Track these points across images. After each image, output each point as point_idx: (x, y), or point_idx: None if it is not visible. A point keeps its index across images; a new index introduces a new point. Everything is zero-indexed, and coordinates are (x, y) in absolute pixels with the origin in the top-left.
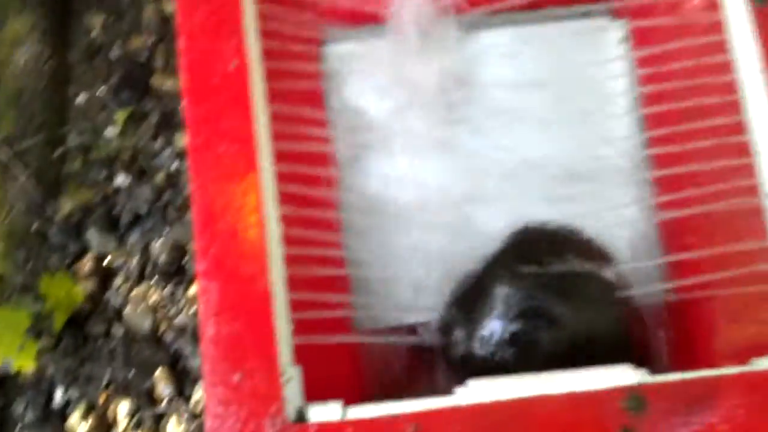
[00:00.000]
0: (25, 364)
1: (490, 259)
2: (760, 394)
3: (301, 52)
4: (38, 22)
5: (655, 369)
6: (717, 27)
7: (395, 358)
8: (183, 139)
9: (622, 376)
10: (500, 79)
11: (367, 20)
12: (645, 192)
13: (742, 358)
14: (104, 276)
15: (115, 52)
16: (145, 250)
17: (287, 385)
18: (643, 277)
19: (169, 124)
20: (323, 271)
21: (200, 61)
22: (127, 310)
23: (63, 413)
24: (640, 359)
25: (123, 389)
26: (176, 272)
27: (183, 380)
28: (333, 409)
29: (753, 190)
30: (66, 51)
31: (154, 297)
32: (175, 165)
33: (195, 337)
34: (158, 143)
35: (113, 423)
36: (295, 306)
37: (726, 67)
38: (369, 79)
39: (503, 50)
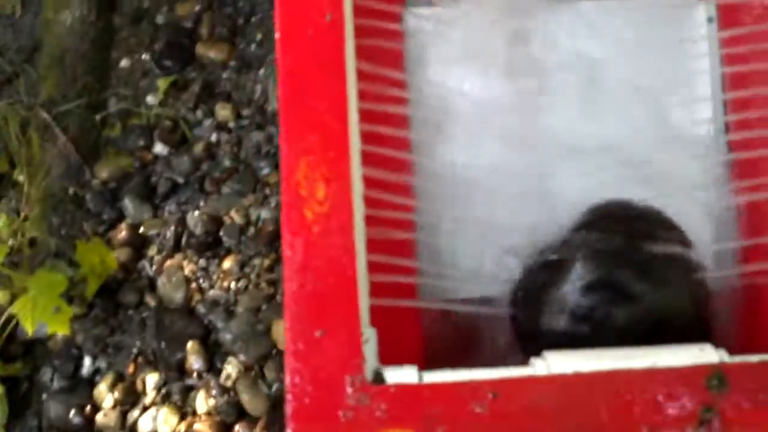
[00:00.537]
0: (59, 328)
1: (567, 233)
2: None
3: (386, 10)
4: None
5: (729, 351)
6: None
7: (460, 328)
8: (224, 111)
9: (704, 354)
10: (582, 52)
11: None
12: (724, 175)
13: None
14: (139, 245)
15: (160, 18)
16: (181, 220)
17: (366, 345)
18: (719, 259)
19: (211, 94)
20: (396, 235)
21: (295, 12)
22: (161, 281)
23: (91, 382)
24: (715, 342)
25: (152, 361)
26: (211, 245)
27: (214, 354)
28: (410, 372)
29: None
30: (111, 14)
31: (188, 269)
32: (214, 136)
33: (228, 311)
34: (199, 113)
35: (141, 394)
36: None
37: None
38: (449, 44)
39: (585, 23)
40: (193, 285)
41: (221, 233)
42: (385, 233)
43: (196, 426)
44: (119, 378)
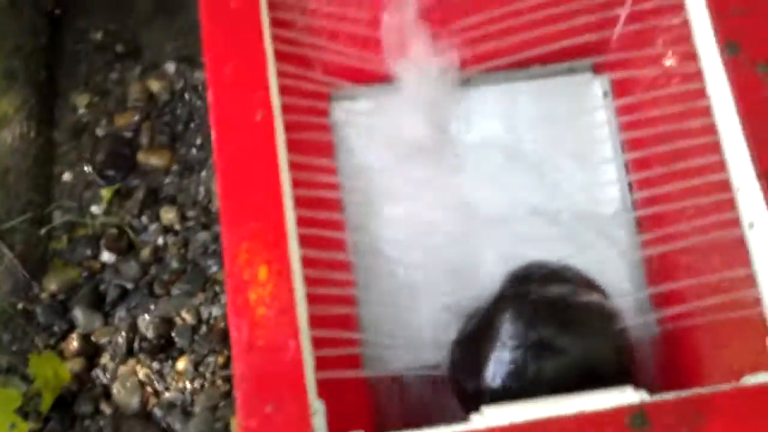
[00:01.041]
0: None
1: (493, 296)
2: (754, 407)
3: (312, 106)
4: (25, 102)
5: (651, 392)
6: (693, 76)
7: (408, 393)
8: (169, 214)
9: (625, 396)
10: (494, 130)
11: (371, 79)
12: (632, 230)
13: (731, 378)
14: (91, 354)
15: (100, 131)
16: (132, 326)
17: (314, 417)
18: (635, 308)
19: (155, 199)
20: (337, 310)
21: (228, 112)
22: (115, 388)
23: None
24: (637, 383)
25: None
26: (164, 347)
27: None
28: None
29: (734, 223)
30: (52, 129)
31: (142, 373)
32: (161, 240)
33: (185, 412)
34: (144, 219)
35: None
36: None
37: (703, 112)
38: (371, 132)
39: (496, 104)
40: (149, 389)
41: (173, 334)
42: (327, 309)
43: None
44: None
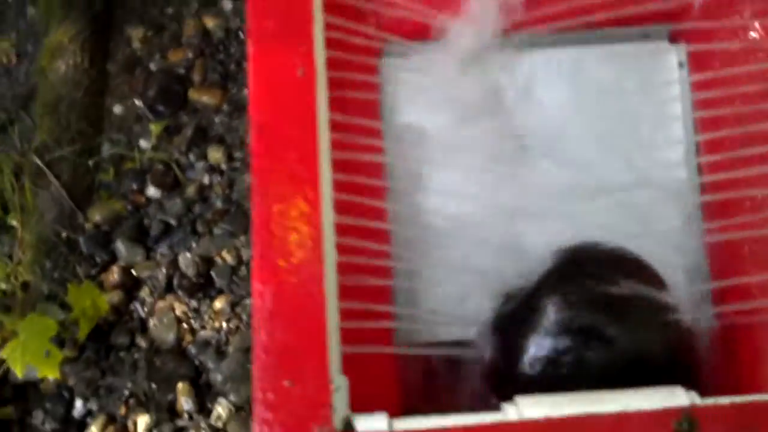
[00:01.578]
0: (49, 372)
1: (540, 275)
2: None
3: (360, 63)
4: (80, 33)
5: (702, 392)
6: None
7: (436, 372)
8: (216, 153)
9: (675, 397)
10: (556, 96)
11: (426, 36)
12: (697, 217)
13: None
14: (131, 287)
15: (153, 65)
16: (173, 262)
17: (336, 393)
18: (692, 301)
19: (203, 137)
20: (371, 281)
21: (268, 66)
22: (152, 322)
23: (82, 424)
24: (689, 382)
25: (144, 402)
26: (203, 286)
27: (204, 395)
28: (379, 420)
29: None
30: (105, 61)
31: (179, 310)
32: (206, 178)
33: (219, 352)
34: (191, 156)
35: None
36: (342, 315)
37: None
38: (424, 93)
39: (561, 68)
40: (185, 326)
41: (213, 274)
42: (359, 280)
43: None
44: (110, 420)
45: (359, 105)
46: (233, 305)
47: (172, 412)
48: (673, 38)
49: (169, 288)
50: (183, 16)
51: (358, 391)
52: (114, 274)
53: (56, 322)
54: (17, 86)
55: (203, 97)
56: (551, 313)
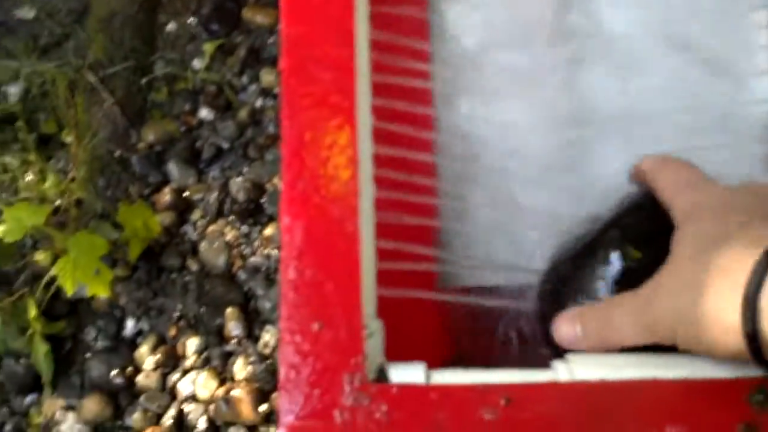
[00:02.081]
0: (99, 290)
1: (602, 219)
2: None
3: None
4: None
5: None
6: None
7: (483, 320)
8: (269, 76)
9: (749, 366)
10: (632, 17)
11: None
12: None
13: None
14: (182, 209)
15: None
16: (224, 186)
17: (369, 339)
18: None
19: (257, 59)
20: (412, 220)
21: None
22: (203, 246)
23: (133, 343)
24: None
25: (193, 325)
26: (253, 211)
27: (253, 321)
28: (416, 371)
29: None
30: None
31: (230, 235)
32: (259, 102)
33: (268, 279)
34: (244, 78)
35: (182, 357)
36: (379, 255)
37: None
38: (481, 9)
39: None
40: (235, 251)
41: (263, 200)
42: (400, 218)
43: (234, 392)
44: (161, 341)
45: (405, 23)
46: None
47: (221, 336)
48: None
49: (220, 212)
50: None
51: (395, 337)
52: (166, 196)
53: (106, 241)
54: (72, 0)
55: (257, 17)
56: (614, 260)
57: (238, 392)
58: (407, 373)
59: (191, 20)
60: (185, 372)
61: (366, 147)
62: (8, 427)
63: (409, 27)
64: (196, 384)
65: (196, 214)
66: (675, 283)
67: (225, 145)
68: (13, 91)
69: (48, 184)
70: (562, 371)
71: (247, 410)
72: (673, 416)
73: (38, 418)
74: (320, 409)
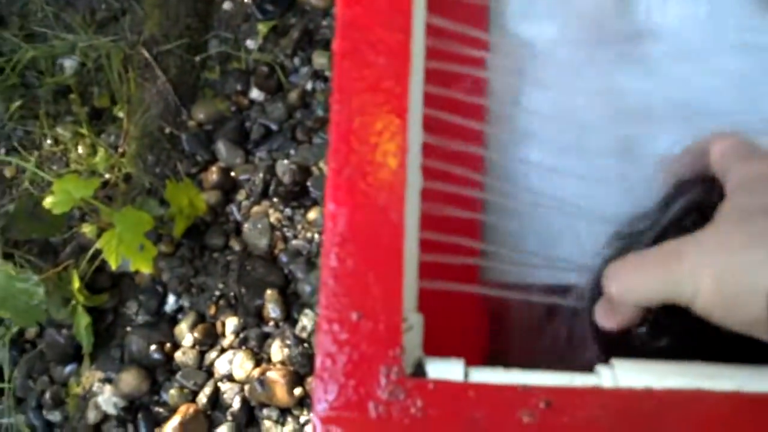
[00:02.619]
0: (142, 266)
1: (660, 217)
2: None
3: None
4: None
5: None
6: None
7: (525, 320)
8: (321, 59)
9: None
10: (684, 16)
11: None
12: None
13: None
14: (229, 189)
15: None
16: (271, 168)
17: (408, 332)
18: None
19: (309, 41)
20: (458, 212)
21: None
22: (247, 227)
23: (173, 320)
24: None
25: (233, 305)
26: (298, 194)
27: (291, 304)
28: (455, 367)
29: None
30: None
31: (274, 216)
32: (310, 84)
33: (309, 262)
34: (296, 60)
35: (220, 336)
36: (423, 247)
37: None
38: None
39: None
40: (278, 233)
41: (308, 184)
42: (446, 210)
43: (269, 374)
44: (200, 318)
45: (463, 9)
46: None
47: (259, 317)
48: None
49: (265, 194)
50: None
51: (434, 331)
52: (213, 174)
53: (152, 217)
54: None
55: None
56: None
57: (273, 374)
58: (445, 369)
59: (246, 0)
60: (222, 351)
61: (416, 135)
62: (47, 395)
63: (468, 14)
64: (233, 364)
65: (241, 195)
66: (713, 241)
67: (274, 127)
68: (69, 64)
69: (98, 157)
70: (605, 377)
71: (281, 393)
72: (719, 430)
73: (77, 388)
74: (355, 401)
